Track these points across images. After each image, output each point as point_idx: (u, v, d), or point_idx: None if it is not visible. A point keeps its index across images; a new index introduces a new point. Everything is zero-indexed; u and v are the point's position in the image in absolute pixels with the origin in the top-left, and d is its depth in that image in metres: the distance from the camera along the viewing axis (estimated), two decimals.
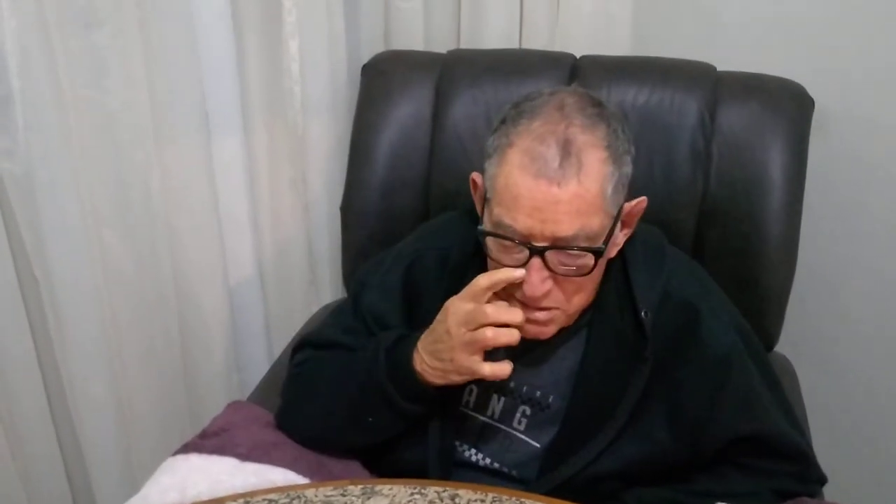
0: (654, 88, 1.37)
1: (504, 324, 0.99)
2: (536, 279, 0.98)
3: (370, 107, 1.47)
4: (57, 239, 1.37)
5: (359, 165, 1.47)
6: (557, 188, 0.94)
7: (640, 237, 1.09)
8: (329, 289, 1.73)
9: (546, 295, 1.00)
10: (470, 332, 0.99)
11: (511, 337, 0.99)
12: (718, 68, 1.40)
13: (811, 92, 1.38)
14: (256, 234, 1.65)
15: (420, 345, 1.05)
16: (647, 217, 1.08)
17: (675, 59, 1.44)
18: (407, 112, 1.44)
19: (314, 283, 1.73)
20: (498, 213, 0.98)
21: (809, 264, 1.42)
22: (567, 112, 0.97)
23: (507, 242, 0.99)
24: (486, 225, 1.02)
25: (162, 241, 1.50)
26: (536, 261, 0.97)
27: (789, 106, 1.37)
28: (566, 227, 0.95)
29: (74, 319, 1.44)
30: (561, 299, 1.02)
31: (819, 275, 1.59)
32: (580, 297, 1.04)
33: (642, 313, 1.05)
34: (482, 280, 0.99)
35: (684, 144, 1.35)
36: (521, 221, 0.96)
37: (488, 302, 1.00)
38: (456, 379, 1.04)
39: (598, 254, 0.97)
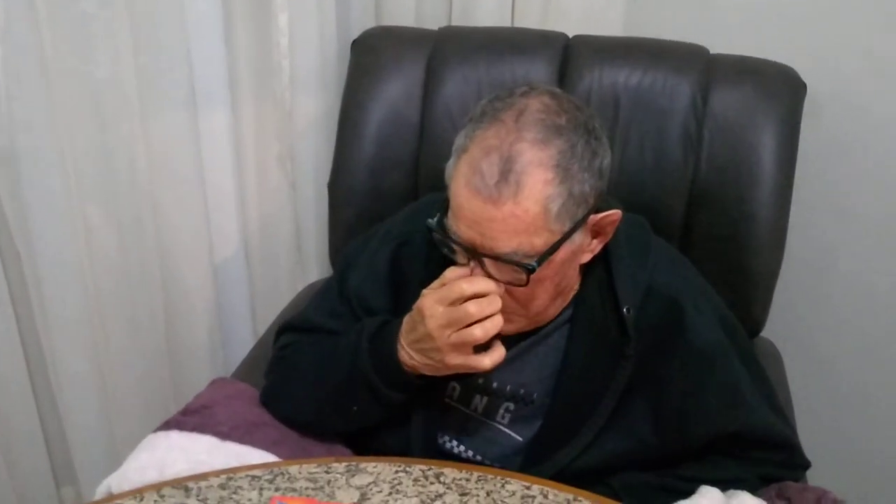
0: (647, 70, 1.36)
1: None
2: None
3: (360, 83, 1.45)
4: (40, 211, 1.35)
5: (347, 142, 1.45)
6: (493, 207, 0.92)
7: (624, 230, 1.06)
8: (315, 267, 1.72)
9: None
10: (456, 333, 0.97)
11: (496, 325, 0.97)
12: (711, 51, 1.39)
13: (803, 76, 1.37)
14: (242, 211, 1.64)
15: (403, 340, 1.04)
16: (637, 201, 1.07)
17: (668, 40, 1.42)
18: (397, 89, 1.43)
19: (300, 262, 1.72)
20: (449, 216, 0.98)
21: (797, 250, 1.42)
22: (522, 123, 0.93)
23: (450, 244, 0.99)
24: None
25: (146, 216, 1.48)
26: (477, 268, 0.97)
27: (782, 90, 1.36)
28: (503, 244, 0.93)
29: (57, 294, 1.43)
30: (513, 304, 1.00)
31: (806, 260, 1.59)
32: (535, 304, 1.02)
33: (625, 310, 1.04)
34: (464, 286, 0.97)
35: (676, 127, 1.34)
36: (463, 231, 0.95)
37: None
38: (452, 372, 1.03)
39: (528, 271, 0.94)
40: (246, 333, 1.72)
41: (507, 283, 0.97)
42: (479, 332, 0.96)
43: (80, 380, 1.50)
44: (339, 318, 1.17)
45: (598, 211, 0.99)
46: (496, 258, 0.95)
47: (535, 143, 0.93)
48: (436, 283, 1.00)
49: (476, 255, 0.96)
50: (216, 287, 1.64)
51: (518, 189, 0.92)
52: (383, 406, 1.08)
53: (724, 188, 1.33)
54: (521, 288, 0.97)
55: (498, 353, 0.99)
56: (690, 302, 1.06)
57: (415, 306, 1.01)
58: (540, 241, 0.94)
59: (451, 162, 0.99)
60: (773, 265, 1.37)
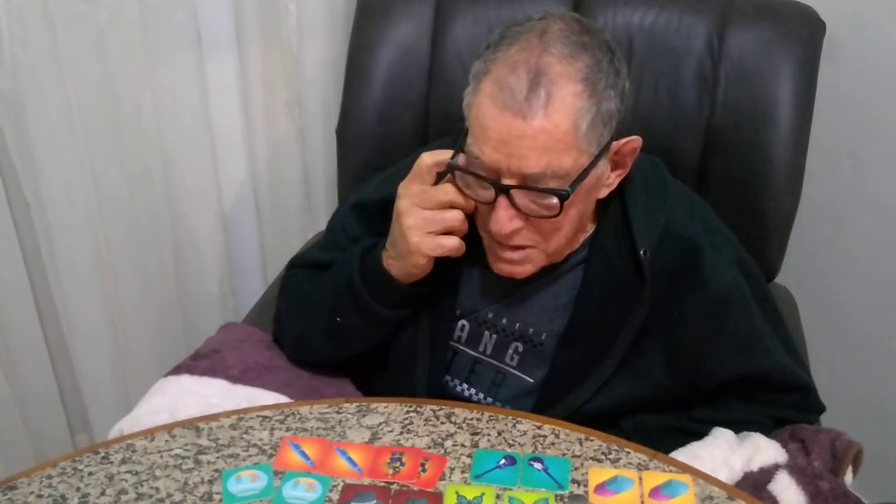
0: (662, 9, 1.32)
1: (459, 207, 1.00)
2: (504, 217, 0.95)
3: (368, 26, 1.42)
4: (47, 158, 1.35)
5: (355, 87, 1.42)
6: (523, 121, 0.90)
7: (640, 171, 1.05)
8: (324, 214, 1.72)
9: (516, 233, 0.97)
10: (428, 211, 0.98)
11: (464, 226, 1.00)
12: None
13: (822, 16, 1.33)
14: (250, 158, 1.62)
15: (387, 243, 1.05)
16: (650, 144, 1.04)
17: None
18: (406, 32, 1.39)
19: (309, 209, 1.71)
20: (470, 144, 0.95)
21: (813, 195, 1.39)
22: (547, 40, 0.92)
23: (473, 178, 0.96)
24: (459, 157, 0.98)
25: (154, 163, 1.47)
26: (503, 199, 0.95)
27: (800, 30, 1.32)
28: (532, 163, 0.91)
29: (67, 244, 1.43)
30: (536, 238, 0.99)
31: (822, 206, 1.57)
32: (558, 238, 1.00)
33: (641, 252, 1.02)
34: (426, 158, 0.99)
35: (691, 69, 1.31)
36: (488, 154, 0.93)
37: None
38: (413, 262, 1.01)
39: (562, 197, 0.93)
40: (255, 281, 1.72)
41: (537, 216, 0.96)
42: (451, 214, 0.99)
43: (91, 329, 1.51)
44: (331, 249, 1.17)
45: (618, 137, 0.98)
46: (524, 183, 0.93)
47: (563, 57, 0.92)
48: (411, 178, 1.01)
49: (504, 187, 0.94)
50: (225, 235, 1.63)
51: (548, 101, 0.90)
52: (371, 320, 1.08)
53: (739, 131, 1.31)
54: (548, 219, 0.95)
55: (461, 244, 1.02)
56: (707, 243, 1.05)
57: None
58: (569, 161, 0.92)
59: (469, 89, 0.97)
60: (788, 210, 1.34)
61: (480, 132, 0.93)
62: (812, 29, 1.33)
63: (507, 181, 0.93)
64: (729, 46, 1.31)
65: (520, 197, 0.94)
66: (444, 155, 0.98)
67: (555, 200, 0.93)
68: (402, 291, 1.05)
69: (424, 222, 0.99)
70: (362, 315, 1.07)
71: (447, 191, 0.98)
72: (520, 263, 1.02)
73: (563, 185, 0.93)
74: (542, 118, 0.90)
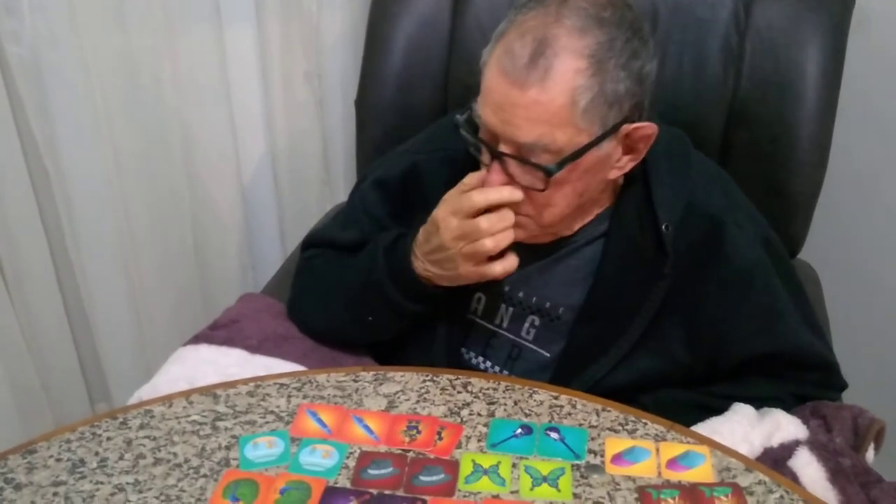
0: None
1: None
2: (496, 181, 0.96)
3: None
4: (67, 128, 1.35)
5: (375, 58, 1.41)
6: (519, 91, 0.90)
7: (663, 145, 1.02)
8: (343, 186, 1.71)
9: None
10: (470, 245, 0.97)
11: (508, 238, 0.98)
12: None
13: None
14: (269, 129, 1.62)
15: (418, 251, 1.03)
16: (674, 117, 1.02)
17: None
18: (426, 2, 1.38)
19: (328, 181, 1.71)
20: (478, 102, 0.96)
21: (839, 170, 1.37)
22: (563, 11, 0.91)
23: (472, 139, 0.97)
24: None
25: (173, 134, 1.47)
26: (496, 164, 0.95)
27: (829, 1, 1.30)
28: (524, 132, 0.91)
29: (87, 214, 1.43)
30: (528, 209, 0.98)
31: (848, 182, 1.54)
32: (551, 212, 0.99)
33: (663, 227, 1.00)
34: (476, 198, 0.96)
35: (716, 40, 1.29)
36: (487, 116, 0.94)
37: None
38: (466, 282, 1.03)
39: (547, 173, 0.92)
40: (274, 253, 1.72)
41: (526, 187, 0.95)
42: (491, 244, 0.97)
43: (111, 299, 1.52)
44: (352, 228, 1.17)
45: (637, 120, 0.96)
46: (517, 152, 0.93)
47: (573, 30, 0.90)
48: (454, 191, 0.99)
49: (497, 153, 0.94)
50: (244, 206, 1.64)
51: (546, 75, 0.89)
52: (401, 317, 1.08)
53: (765, 104, 1.29)
54: (539, 192, 0.95)
55: (510, 262, 0.99)
56: (731, 219, 1.03)
57: (430, 217, 1.01)
58: (564, 137, 0.91)
59: (487, 48, 0.96)
60: (813, 185, 1.32)
61: (485, 92, 0.94)
62: (841, 0, 1.31)
63: (502, 147, 0.94)
64: (756, 18, 1.28)
65: (512, 166, 0.94)
66: (494, 195, 0.96)
67: (541, 174, 0.93)
68: (434, 293, 1.06)
69: (471, 257, 0.98)
70: (392, 311, 1.08)
71: (484, 227, 0.97)
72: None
73: (554, 161, 0.92)
74: (538, 90, 0.89)
